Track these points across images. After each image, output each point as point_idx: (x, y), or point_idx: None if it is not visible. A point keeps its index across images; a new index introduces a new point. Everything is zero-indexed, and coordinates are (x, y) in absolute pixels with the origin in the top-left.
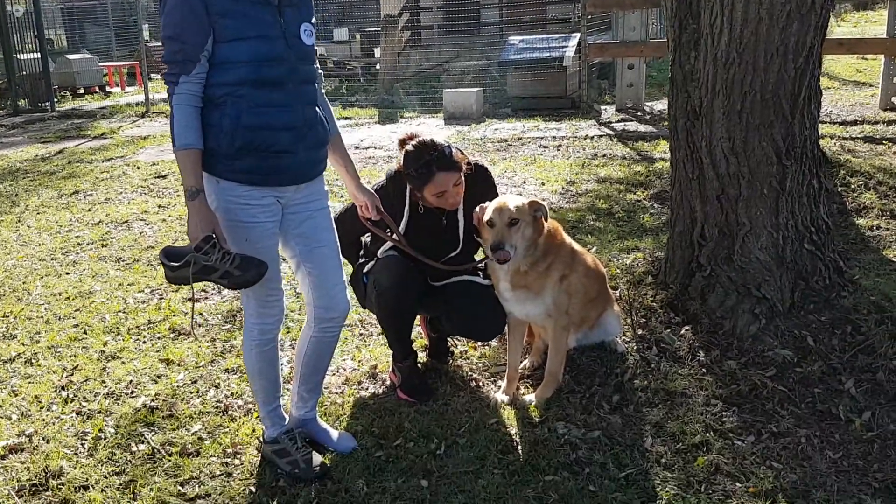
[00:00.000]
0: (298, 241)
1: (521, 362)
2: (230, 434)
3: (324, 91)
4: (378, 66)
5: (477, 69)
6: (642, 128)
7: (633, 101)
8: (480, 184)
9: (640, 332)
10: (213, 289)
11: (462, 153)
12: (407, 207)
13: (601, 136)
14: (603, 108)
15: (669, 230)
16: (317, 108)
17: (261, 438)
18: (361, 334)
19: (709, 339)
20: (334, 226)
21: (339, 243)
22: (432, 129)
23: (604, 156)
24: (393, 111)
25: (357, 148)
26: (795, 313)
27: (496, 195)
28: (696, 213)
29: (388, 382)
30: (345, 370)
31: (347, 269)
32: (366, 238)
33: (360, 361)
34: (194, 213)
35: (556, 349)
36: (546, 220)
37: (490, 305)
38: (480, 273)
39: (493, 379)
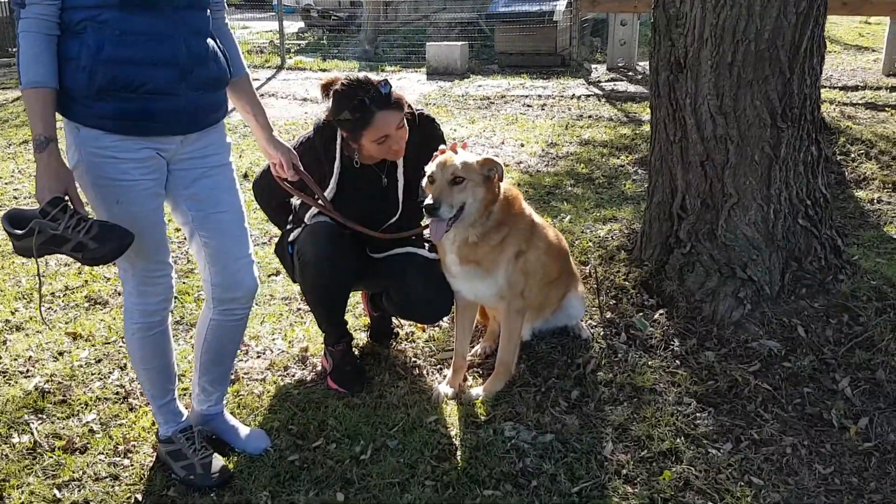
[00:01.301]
0: (191, 205)
1: (472, 348)
2: (125, 427)
3: (227, 22)
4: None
5: (465, 21)
6: (632, 88)
7: (626, 59)
8: (426, 136)
9: (608, 314)
10: None
11: (401, 95)
12: (338, 163)
13: (589, 95)
14: (594, 66)
15: (647, 200)
16: (209, 41)
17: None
18: (299, 310)
19: (685, 325)
20: (238, 186)
21: (245, 208)
22: (413, 83)
23: (589, 116)
24: (374, 65)
25: None
26: (785, 298)
27: None
28: (677, 182)
29: (318, 368)
30: (272, 352)
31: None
32: (296, 201)
33: (290, 342)
34: (42, 169)
35: (509, 336)
36: (500, 181)
37: (434, 283)
38: (426, 244)
39: (438, 366)
